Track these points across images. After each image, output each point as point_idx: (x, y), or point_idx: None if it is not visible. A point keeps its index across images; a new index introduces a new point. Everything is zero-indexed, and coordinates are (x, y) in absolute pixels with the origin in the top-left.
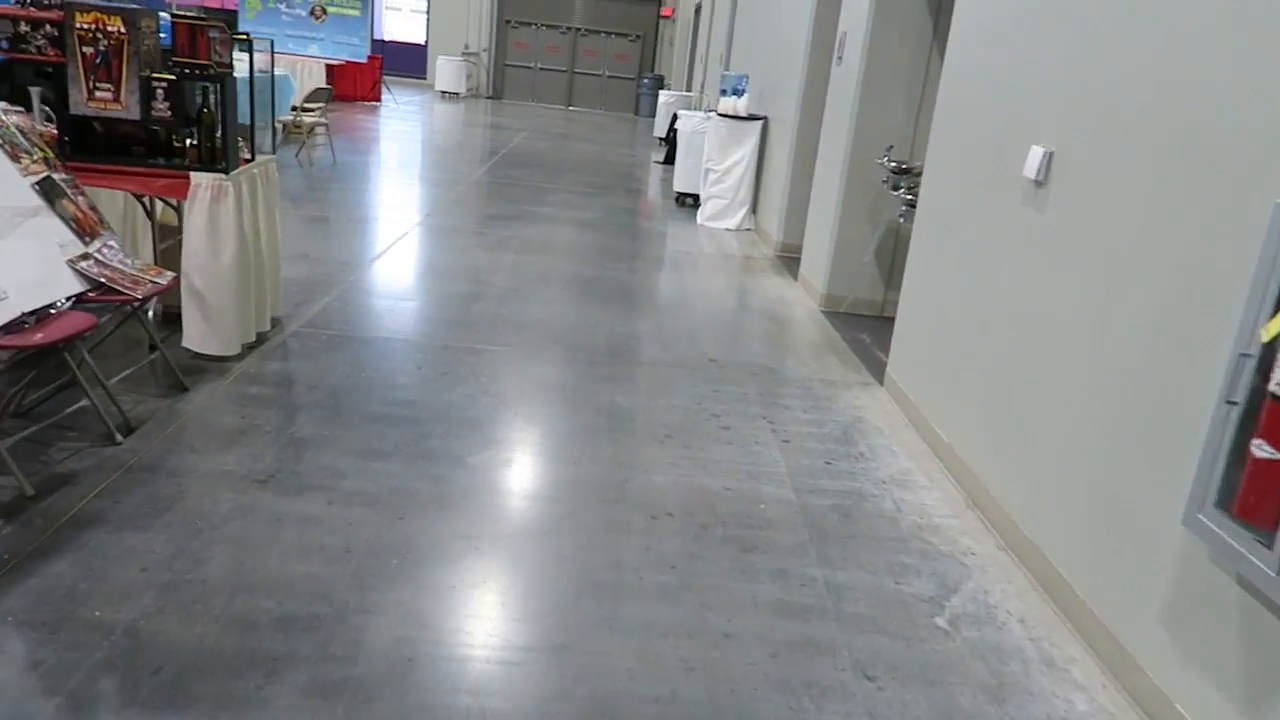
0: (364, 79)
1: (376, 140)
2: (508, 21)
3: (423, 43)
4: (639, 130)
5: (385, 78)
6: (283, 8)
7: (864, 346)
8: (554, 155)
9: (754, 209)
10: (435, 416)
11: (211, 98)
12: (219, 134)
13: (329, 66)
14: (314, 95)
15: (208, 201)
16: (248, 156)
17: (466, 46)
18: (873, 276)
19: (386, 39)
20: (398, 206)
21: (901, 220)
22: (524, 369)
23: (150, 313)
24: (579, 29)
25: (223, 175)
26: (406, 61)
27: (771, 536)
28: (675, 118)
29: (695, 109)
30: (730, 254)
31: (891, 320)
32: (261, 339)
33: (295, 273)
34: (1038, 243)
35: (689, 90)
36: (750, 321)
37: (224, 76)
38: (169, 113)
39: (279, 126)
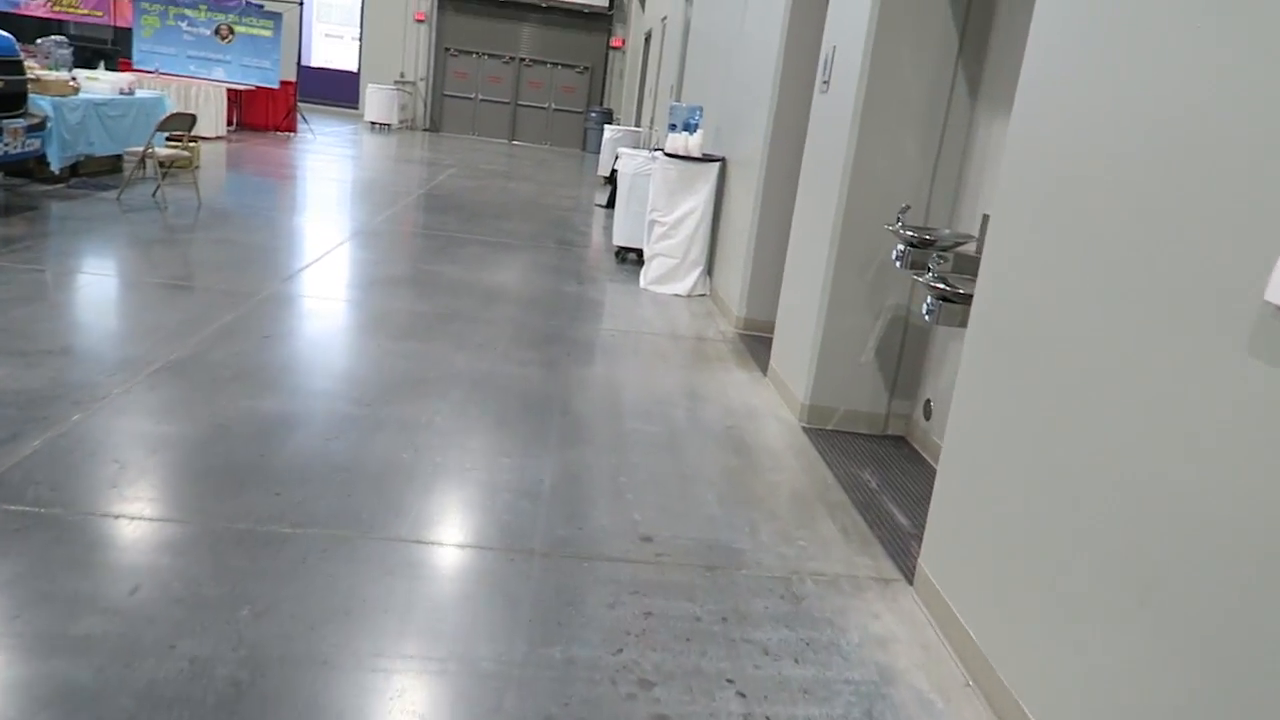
0: (277, 107)
1: (274, 177)
2: (447, 49)
3: (355, 70)
4: (585, 167)
5: (314, 106)
6: (184, 25)
7: (871, 497)
8: (479, 196)
9: (709, 270)
10: None
11: None
12: None
13: (236, 93)
14: (170, 122)
15: None
16: None
17: (401, 75)
18: (873, 382)
19: (315, 65)
20: (252, 268)
21: (927, 317)
22: (328, 587)
23: None
24: (523, 59)
25: None
26: (336, 90)
27: None
28: (618, 156)
29: (644, 146)
30: (679, 333)
31: (899, 442)
32: None
33: (30, 383)
34: None
35: (638, 125)
36: (705, 453)
37: None
38: None
39: (132, 159)
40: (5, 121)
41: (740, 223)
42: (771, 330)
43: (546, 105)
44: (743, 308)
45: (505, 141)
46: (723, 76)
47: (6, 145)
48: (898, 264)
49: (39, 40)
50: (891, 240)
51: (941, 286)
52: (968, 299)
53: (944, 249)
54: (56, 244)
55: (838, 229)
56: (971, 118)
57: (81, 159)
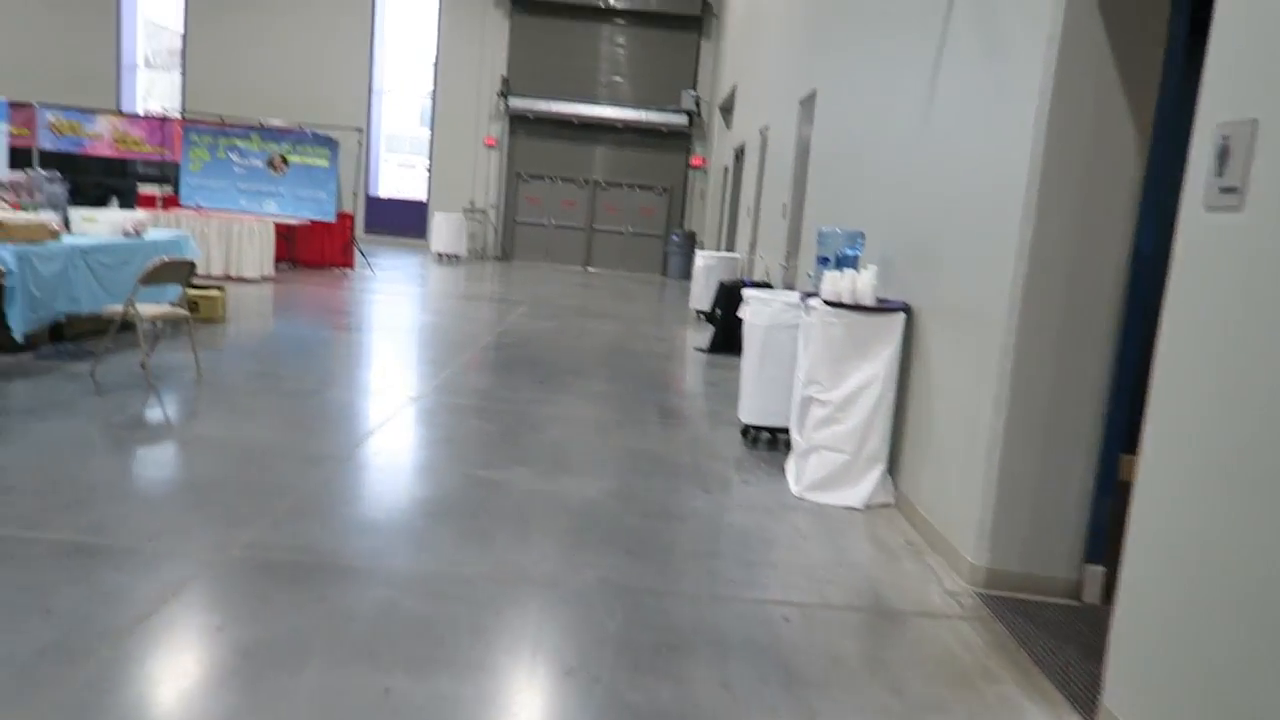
0: (334, 241)
1: (315, 328)
2: (518, 175)
3: (424, 199)
4: (668, 295)
5: (382, 239)
6: (234, 157)
7: None
8: (556, 342)
9: (890, 468)
10: None
11: None
12: None
13: (289, 228)
14: (158, 274)
15: None
16: None
17: (471, 203)
18: None
19: (383, 196)
20: (222, 496)
21: None
22: None
23: None
24: (598, 182)
25: None
26: (405, 221)
27: None
28: (722, 289)
29: (742, 275)
30: (887, 603)
31: None
32: None
33: None
34: None
35: (732, 249)
36: None
37: None
38: None
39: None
40: None
41: (959, 407)
42: (1040, 590)
43: (623, 229)
44: (982, 551)
45: (580, 268)
46: (890, 189)
47: None
48: None
49: (28, 170)
50: None
51: None
52: None
53: None
54: None
55: None
56: None
57: (63, 320)
